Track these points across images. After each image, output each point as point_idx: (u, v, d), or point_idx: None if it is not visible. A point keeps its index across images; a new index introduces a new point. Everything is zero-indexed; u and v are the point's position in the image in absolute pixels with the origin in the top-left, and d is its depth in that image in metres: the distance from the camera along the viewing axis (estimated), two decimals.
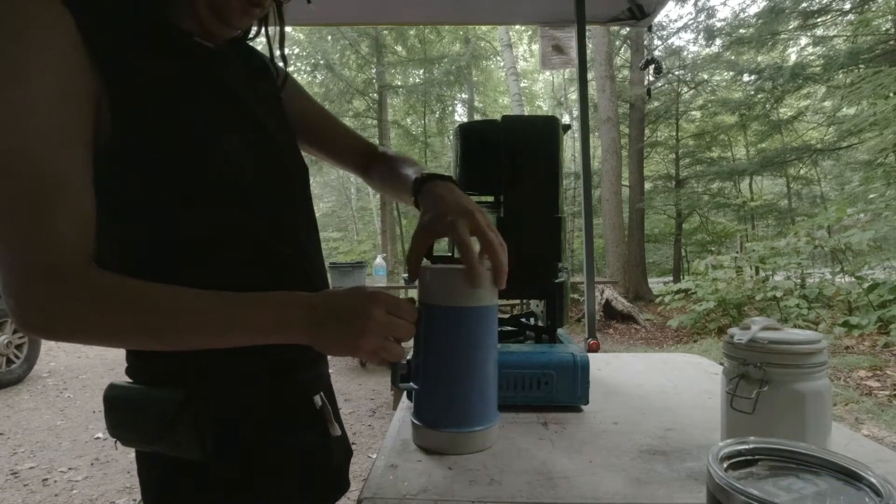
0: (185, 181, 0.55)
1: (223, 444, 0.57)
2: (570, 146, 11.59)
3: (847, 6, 8.54)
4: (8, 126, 0.47)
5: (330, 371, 0.73)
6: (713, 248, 11.15)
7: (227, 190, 0.57)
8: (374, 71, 11.62)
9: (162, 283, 0.52)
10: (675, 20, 23.21)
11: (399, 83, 12.41)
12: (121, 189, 0.53)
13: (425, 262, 0.64)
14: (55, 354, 5.46)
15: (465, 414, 0.65)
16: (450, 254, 0.78)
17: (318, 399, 0.66)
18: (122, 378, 0.61)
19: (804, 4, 8.73)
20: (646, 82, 10.13)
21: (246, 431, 0.59)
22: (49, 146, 0.48)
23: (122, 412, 0.58)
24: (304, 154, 0.77)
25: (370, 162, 0.85)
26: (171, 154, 0.54)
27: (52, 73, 0.48)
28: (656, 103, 11.62)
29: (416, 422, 0.67)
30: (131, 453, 0.62)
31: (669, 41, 12.06)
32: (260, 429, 0.60)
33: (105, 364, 4.99)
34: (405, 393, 0.81)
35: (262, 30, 0.69)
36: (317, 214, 0.74)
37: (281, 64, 0.73)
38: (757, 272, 6.91)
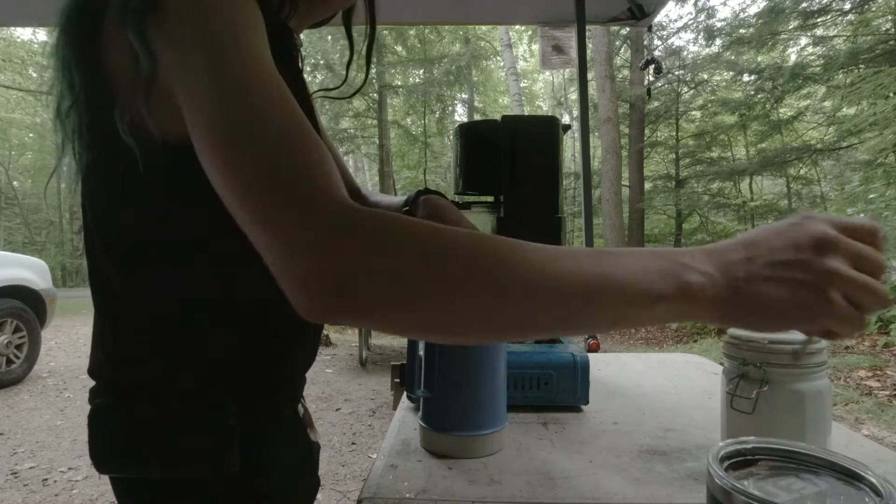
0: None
1: (242, 461, 0.51)
2: (570, 146, 11.59)
3: (847, 6, 8.54)
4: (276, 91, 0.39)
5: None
6: None
7: None
8: (373, 71, 11.62)
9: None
10: (675, 20, 23.19)
11: (399, 83, 12.42)
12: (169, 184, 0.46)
13: None
14: (55, 354, 5.47)
15: (477, 417, 0.64)
16: None
17: (300, 407, 0.64)
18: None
19: (804, 4, 8.73)
20: (646, 82, 10.13)
21: (260, 445, 0.54)
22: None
23: (131, 433, 0.49)
24: None
25: (354, 197, 0.84)
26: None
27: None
28: (656, 103, 11.62)
29: (423, 425, 0.66)
30: None
31: (669, 41, 12.07)
32: (271, 440, 0.56)
33: None
34: (405, 393, 0.80)
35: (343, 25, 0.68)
36: None
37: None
38: None
